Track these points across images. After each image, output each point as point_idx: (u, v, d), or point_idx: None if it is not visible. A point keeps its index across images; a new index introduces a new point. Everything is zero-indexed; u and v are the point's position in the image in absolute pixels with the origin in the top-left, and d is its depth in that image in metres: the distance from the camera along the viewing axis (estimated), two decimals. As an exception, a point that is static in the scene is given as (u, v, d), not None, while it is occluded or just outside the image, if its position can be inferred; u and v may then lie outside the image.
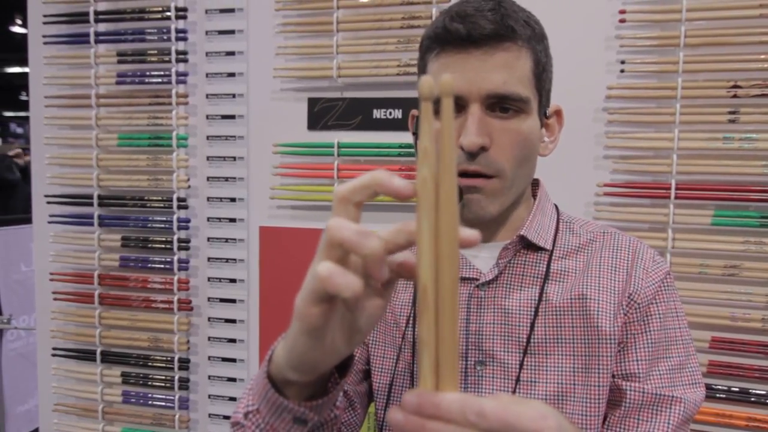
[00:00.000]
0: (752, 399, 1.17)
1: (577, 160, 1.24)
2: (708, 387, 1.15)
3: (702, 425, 1.19)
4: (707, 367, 1.18)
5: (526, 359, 0.69)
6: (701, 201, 1.18)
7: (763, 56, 1.12)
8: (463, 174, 0.67)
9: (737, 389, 1.18)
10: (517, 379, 0.69)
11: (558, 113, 0.75)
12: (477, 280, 0.72)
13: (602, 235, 0.74)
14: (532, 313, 0.70)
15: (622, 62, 1.19)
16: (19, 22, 7.50)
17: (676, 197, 1.18)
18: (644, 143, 1.20)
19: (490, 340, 0.70)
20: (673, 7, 1.16)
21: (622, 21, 1.18)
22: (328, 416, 0.51)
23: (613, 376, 0.69)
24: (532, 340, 0.69)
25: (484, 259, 0.74)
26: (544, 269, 0.71)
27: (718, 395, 1.18)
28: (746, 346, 1.16)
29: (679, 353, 0.69)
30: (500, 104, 0.65)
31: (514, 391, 0.69)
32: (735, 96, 1.14)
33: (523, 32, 0.65)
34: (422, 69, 0.71)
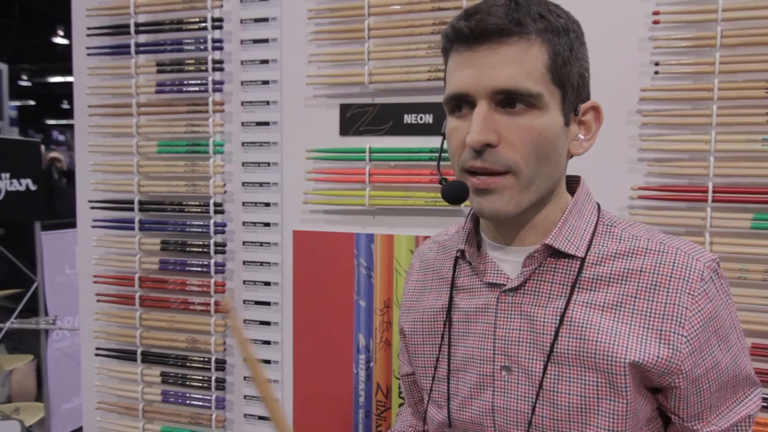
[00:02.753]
0: (795, 407, 1.13)
1: (611, 163, 1.23)
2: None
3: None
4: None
5: (549, 367, 0.68)
6: (740, 204, 1.15)
7: (804, 55, 1.09)
8: (471, 172, 0.66)
9: (779, 397, 1.14)
10: (540, 386, 0.68)
11: (595, 109, 0.71)
12: (504, 285, 0.71)
13: (645, 250, 0.68)
14: (557, 322, 0.68)
15: (657, 64, 1.18)
16: (61, 33, 7.77)
17: (714, 200, 1.16)
18: (680, 146, 1.18)
19: (515, 346, 0.70)
20: (709, 7, 1.14)
21: (656, 22, 1.17)
22: None
23: (664, 407, 0.70)
24: (555, 349, 0.68)
25: (512, 263, 0.72)
26: (574, 277, 0.69)
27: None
28: (788, 353, 1.13)
29: (729, 373, 0.69)
30: (509, 100, 0.64)
31: (537, 398, 0.68)
32: (775, 96, 1.12)
33: (534, 25, 0.63)
34: (445, 66, 0.71)
